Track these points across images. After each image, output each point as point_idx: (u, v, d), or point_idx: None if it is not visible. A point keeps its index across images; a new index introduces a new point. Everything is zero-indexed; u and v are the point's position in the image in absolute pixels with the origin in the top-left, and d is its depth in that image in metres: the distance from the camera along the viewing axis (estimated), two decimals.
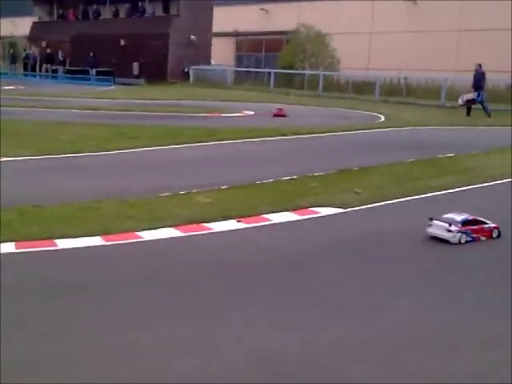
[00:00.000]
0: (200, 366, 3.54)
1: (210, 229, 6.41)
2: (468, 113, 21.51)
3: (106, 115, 17.83)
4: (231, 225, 6.58)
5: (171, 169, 10.07)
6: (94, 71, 37.58)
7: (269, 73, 34.62)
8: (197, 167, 10.31)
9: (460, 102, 22.00)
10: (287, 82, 33.66)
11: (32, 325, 4.02)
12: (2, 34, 51.81)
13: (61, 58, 39.77)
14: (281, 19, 39.62)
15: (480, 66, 21.71)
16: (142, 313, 4.30)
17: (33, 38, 43.31)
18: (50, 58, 40.50)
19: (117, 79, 35.64)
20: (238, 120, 18.12)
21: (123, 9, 39.82)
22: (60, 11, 43.21)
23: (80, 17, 42.02)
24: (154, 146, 11.96)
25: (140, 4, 38.86)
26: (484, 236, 6.35)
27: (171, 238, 6.11)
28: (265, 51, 42.87)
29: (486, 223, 6.42)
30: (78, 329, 3.98)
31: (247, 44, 44.39)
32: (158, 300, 4.55)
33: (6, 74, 41.61)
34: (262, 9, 42.24)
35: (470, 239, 6.23)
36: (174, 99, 24.17)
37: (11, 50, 45.09)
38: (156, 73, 35.17)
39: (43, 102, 21.43)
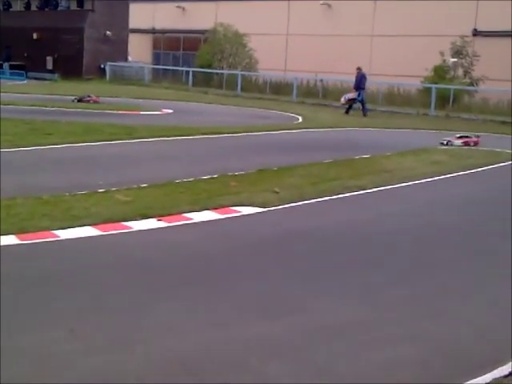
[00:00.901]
0: (116, 365, 3.50)
1: (130, 228, 6.31)
2: (347, 112, 23.29)
3: (19, 110, 17.22)
4: (151, 224, 6.51)
5: (89, 166, 9.84)
6: (7, 65, 36.24)
7: (187, 71, 34.46)
8: (115, 165, 10.12)
9: (342, 100, 24.03)
10: (206, 81, 33.63)
11: None
12: None
13: None
14: (198, 18, 39.49)
15: (360, 68, 23.81)
16: (50, 313, 4.19)
17: None
18: None
19: (30, 74, 34.53)
20: (156, 118, 17.95)
21: (35, 1, 38.66)
22: None
23: None
24: (70, 143, 11.67)
25: None
26: None
27: (89, 236, 5.98)
28: (183, 49, 42.61)
29: None
30: None
31: (165, 42, 43.99)
32: (69, 300, 4.43)
33: None
34: (178, 6, 41.96)
35: None
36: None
37: None
38: (71, 68, 34.31)
39: None
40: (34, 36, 36.12)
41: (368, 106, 23.75)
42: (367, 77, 23.83)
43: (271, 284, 5.03)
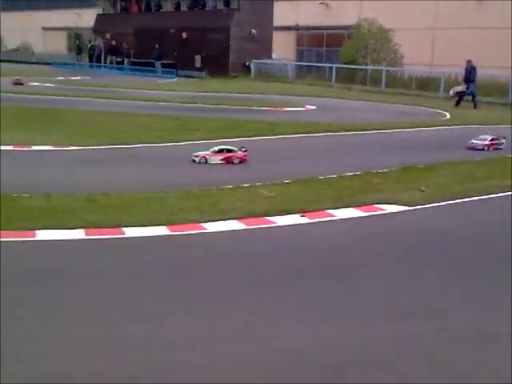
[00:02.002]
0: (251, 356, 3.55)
1: (273, 222, 6.39)
2: (457, 104, 22.73)
3: (168, 107, 18.03)
4: (294, 219, 6.55)
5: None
6: (159, 63, 38.09)
7: (330, 68, 34.33)
8: (257, 160, 10.26)
9: (451, 93, 23.84)
10: (349, 78, 33.29)
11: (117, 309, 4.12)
12: (68, 25, 53.14)
13: (125, 50, 40.43)
14: (342, 13, 39.23)
15: (469, 61, 23.21)
16: (193, 301, 4.35)
17: (97, 29, 44.15)
18: (114, 50, 41.25)
19: (179, 72, 36.03)
20: (299, 114, 18.03)
21: (184, 2, 40.26)
22: (123, 3, 43.92)
23: (143, 9, 42.64)
24: (214, 139, 12.00)
25: None
26: None
27: (234, 230, 6.12)
28: (326, 46, 42.55)
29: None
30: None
31: (308, 38, 44.15)
32: (215, 288, 4.60)
33: (73, 64, 42.69)
34: (321, 3, 41.94)
35: None
36: (236, 92, 24.24)
37: (77, 42, 46.20)
38: (217, 66, 35.37)
39: (108, 92, 21.88)
40: (184, 35, 37.63)
41: None
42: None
43: (412, 283, 4.89)
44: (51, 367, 3.35)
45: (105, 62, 42.00)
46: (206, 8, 39.01)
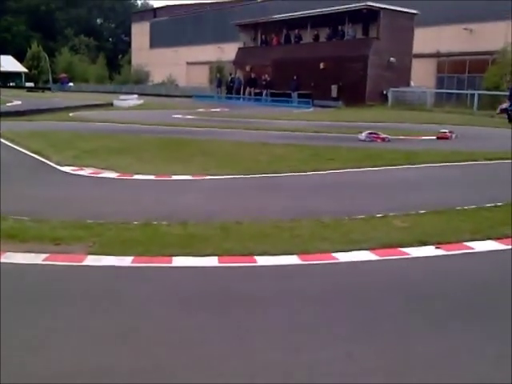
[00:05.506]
0: None
1: (407, 254, 6.22)
2: (510, 120, 24.55)
3: (303, 137, 18.23)
4: (429, 251, 6.34)
5: (367, 192, 9.96)
6: (295, 94, 38.76)
7: (472, 94, 33.20)
8: (393, 190, 10.09)
9: (498, 111, 27.00)
10: (492, 105, 32.02)
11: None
12: (211, 59, 55.64)
13: (263, 82, 41.52)
14: (486, 39, 37.98)
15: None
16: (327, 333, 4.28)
17: (238, 62, 45.77)
18: (253, 82, 42.51)
19: (315, 102, 36.44)
20: (438, 143, 17.54)
21: (324, 33, 40.77)
22: (264, 37, 45.25)
23: (282, 41, 43.68)
24: (350, 169, 11.98)
25: (340, 27, 39.48)
26: None
27: (366, 261, 6.02)
28: (468, 72, 41.27)
29: None
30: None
31: (449, 65, 43.06)
32: (343, 321, 4.51)
33: (212, 96, 44.53)
34: (465, 28, 40.78)
35: None
36: (371, 121, 24.06)
37: (218, 75, 48.23)
38: (354, 95, 35.39)
39: (244, 123, 22.53)
40: (321, 66, 38.05)
41: None
42: None
43: None
44: None
45: (243, 94, 43.37)
46: (345, 38, 39.32)
